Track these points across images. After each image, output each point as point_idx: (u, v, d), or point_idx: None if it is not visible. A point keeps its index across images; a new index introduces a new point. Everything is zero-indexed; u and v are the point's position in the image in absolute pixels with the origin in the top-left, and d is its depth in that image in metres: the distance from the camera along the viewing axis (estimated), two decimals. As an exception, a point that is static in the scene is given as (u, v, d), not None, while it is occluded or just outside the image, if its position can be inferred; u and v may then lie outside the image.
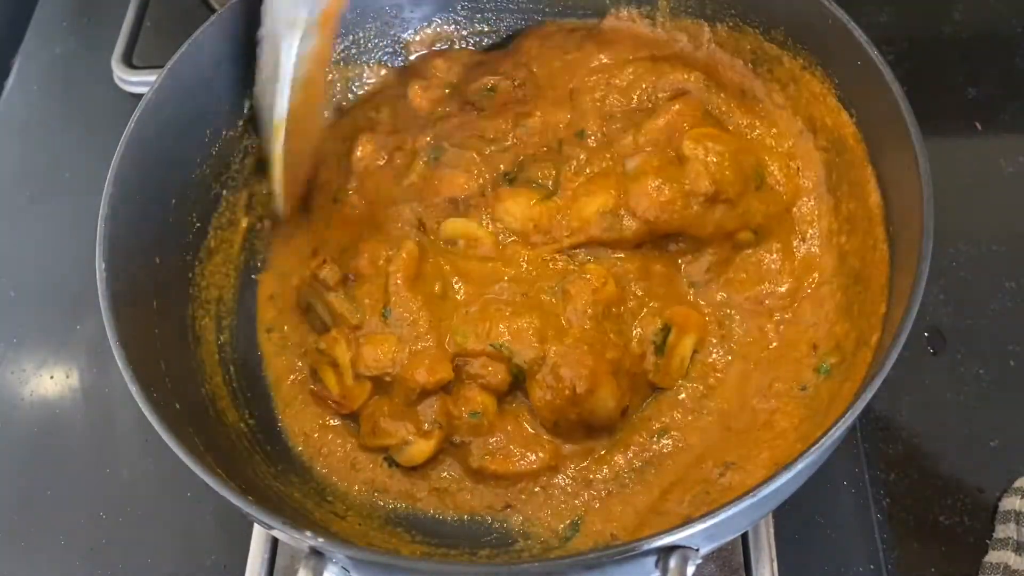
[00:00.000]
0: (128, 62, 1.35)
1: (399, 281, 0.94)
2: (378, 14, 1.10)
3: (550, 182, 1.00)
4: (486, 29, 1.15)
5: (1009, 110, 1.24)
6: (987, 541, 0.96)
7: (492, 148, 1.03)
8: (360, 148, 1.07)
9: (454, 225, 0.99)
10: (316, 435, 0.97)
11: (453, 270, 0.97)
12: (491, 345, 0.92)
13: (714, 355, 0.96)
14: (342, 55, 1.11)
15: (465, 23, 1.14)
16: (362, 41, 1.11)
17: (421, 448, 0.92)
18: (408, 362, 0.92)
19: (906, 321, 0.73)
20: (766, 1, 0.97)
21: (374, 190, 1.05)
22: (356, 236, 1.01)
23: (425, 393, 0.92)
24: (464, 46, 1.15)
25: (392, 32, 1.12)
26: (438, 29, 1.14)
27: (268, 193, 1.05)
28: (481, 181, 1.01)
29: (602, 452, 0.93)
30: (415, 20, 1.13)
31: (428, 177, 1.03)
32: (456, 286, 0.97)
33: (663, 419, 0.94)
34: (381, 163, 1.07)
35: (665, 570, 0.67)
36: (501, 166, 1.02)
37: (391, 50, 1.14)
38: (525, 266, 0.97)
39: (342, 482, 0.95)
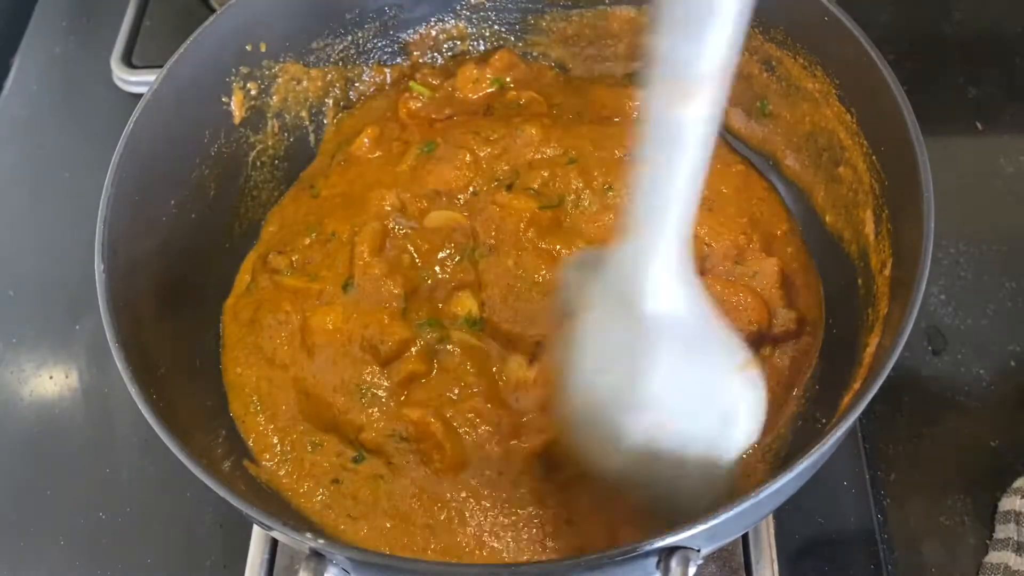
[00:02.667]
0: (128, 62, 1.35)
1: (365, 254, 0.96)
2: (378, 14, 1.10)
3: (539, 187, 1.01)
4: (486, 30, 1.15)
5: (1009, 110, 1.24)
6: (987, 542, 0.96)
7: (487, 150, 1.04)
8: (366, 138, 1.09)
9: (439, 216, 1.00)
10: None
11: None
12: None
13: None
14: (341, 55, 1.11)
15: (465, 23, 1.14)
16: (361, 42, 1.11)
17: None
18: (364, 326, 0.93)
19: (906, 321, 0.73)
20: (766, 1, 0.97)
21: (357, 175, 1.07)
22: (324, 215, 1.04)
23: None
24: (464, 46, 1.15)
25: (392, 32, 1.12)
26: (438, 29, 1.14)
27: None
28: (471, 179, 1.02)
29: None
30: (415, 20, 1.13)
31: (418, 167, 1.04)
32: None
33: None
34: (376, 155, 1.08)
35: (666, 571, 0.67)
36: (496, 171, 1.02)
37: (391, 50, 1.14)
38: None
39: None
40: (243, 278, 1.03)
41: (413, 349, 0.93)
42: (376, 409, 0.91)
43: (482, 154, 1.04)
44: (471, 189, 1.02)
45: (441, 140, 1.05)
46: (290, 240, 1.03)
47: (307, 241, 1.02)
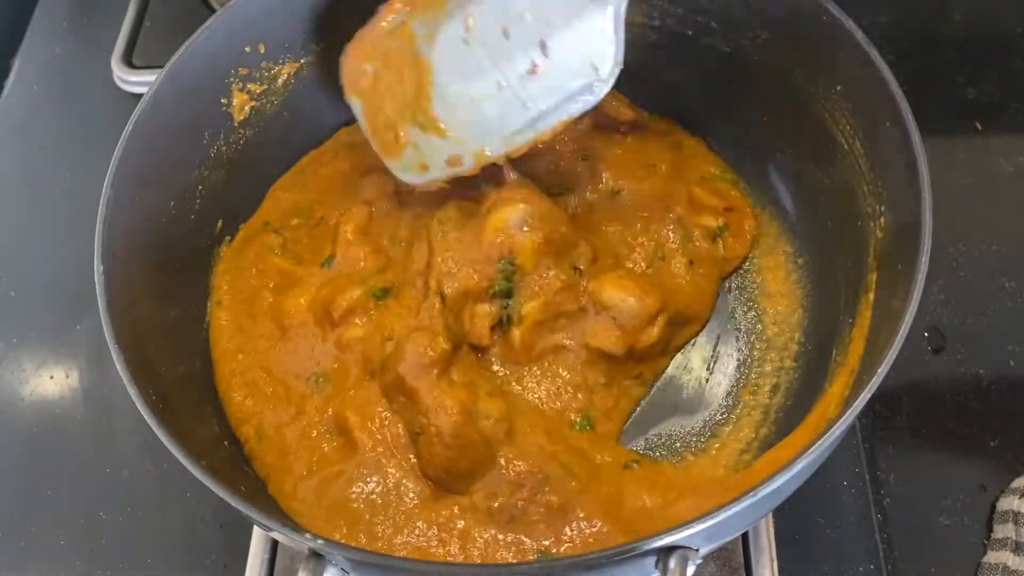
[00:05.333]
0: (128, 62, 1.35)
1: (349, 235, 0.99)
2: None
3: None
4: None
5: (1009, 110, 1.24)
6: (984, 542, 0.96)
7: None
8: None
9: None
10: None
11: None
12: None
13: None
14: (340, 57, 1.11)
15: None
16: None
17: None
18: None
19: (906, 321, 0.73)
20: (765, 1, 0.97)
21: (348, 160, 1.09)
22: (314, 200, 1.06)
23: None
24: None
25: (392, 32, 1.12)
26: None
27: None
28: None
29: None
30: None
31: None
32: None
33: None
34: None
35: (665, 570, 0.67)
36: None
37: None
38: None
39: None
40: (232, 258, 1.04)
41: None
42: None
43: None
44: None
45: None
46: (282, 220, 1.05)
47: (295, 221, 1.04)
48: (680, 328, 0.97)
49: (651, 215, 1.01)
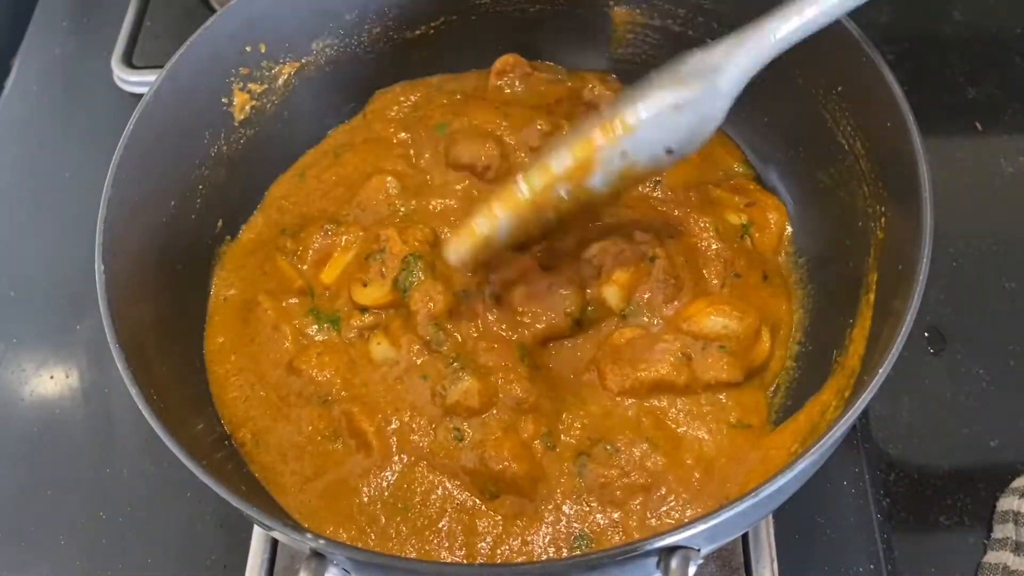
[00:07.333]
0: (128, 62, 1.35)
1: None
2: (378, 16, 1.10)
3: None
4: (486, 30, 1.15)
5: (1009, 110, 1.24)
6: (984, 541, 0.96)
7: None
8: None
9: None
10: None
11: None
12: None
13: None
14: (341, 56, 1.11)
15: (463, 22, 1.14)
16: (363, 42, 1.11)
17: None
18: None
19: (907, 321, 0.73)
20: (765, 2, 0.97)
21: (360, 159, 1.09)
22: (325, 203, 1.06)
23: None
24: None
25: (392, 34, 1.12)
26: (438, 28, 1.14)
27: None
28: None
29: None
30: (415, 21, 1.12)
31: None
32: None
33: None
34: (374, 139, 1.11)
35: (667, 570, 0.67)
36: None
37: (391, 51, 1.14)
38: None
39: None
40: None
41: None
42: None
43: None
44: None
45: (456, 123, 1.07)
46: (296, 225, 1.04)
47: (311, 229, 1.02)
48: (778, 327, 0.96)
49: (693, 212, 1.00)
